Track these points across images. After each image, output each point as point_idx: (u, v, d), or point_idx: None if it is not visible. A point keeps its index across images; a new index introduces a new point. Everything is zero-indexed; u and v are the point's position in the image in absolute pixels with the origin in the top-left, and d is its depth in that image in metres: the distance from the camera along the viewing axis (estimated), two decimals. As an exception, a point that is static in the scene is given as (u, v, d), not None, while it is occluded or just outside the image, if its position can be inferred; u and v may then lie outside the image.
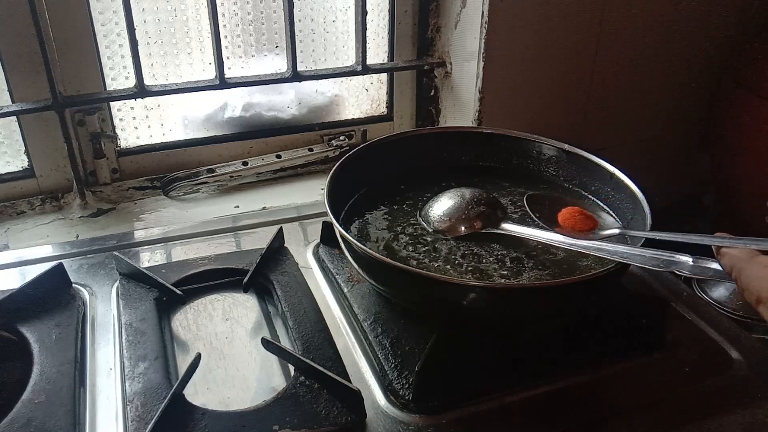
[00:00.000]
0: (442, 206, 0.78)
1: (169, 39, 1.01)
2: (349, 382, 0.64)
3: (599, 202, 0.83)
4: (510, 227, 0.74)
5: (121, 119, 1.05)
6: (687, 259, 0.58)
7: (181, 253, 0.88)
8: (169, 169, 1.08)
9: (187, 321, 0.75)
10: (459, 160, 0.91)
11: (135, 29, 0.91)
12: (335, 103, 1.17)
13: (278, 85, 1.08)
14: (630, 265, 0.63)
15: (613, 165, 0.80)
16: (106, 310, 0.76)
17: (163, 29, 1.00)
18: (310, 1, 1.07)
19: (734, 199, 1.27)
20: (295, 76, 1.03)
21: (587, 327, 0.73)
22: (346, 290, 0.79)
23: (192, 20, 1.01)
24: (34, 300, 0.73)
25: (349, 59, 1.13)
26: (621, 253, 0.63)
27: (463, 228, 0.75)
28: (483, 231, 0.75)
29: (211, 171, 1.09)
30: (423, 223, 0.78)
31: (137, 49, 0.92)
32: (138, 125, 1.06)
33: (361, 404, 0.62)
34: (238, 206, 1.05)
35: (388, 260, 0.67)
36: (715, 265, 0.56)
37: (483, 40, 1.01)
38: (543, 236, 0.71)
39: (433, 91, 1.18)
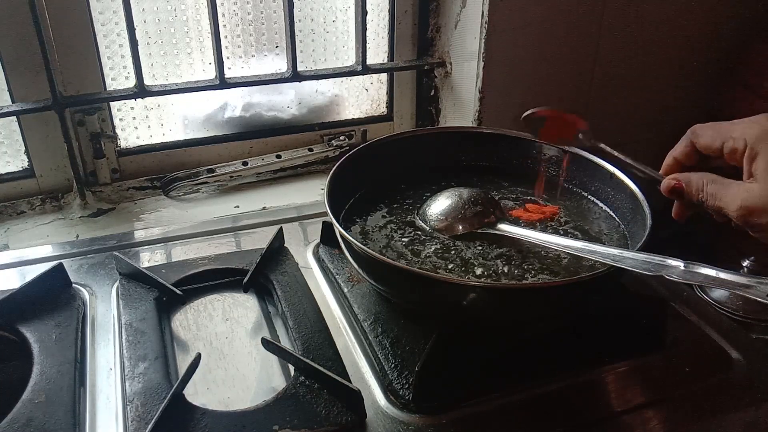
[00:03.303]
0: (439, 205, 0.78)
1: (169, 39, 1.01)
2: (349, 382, 0.64)
3: (599, 203, 0.83)
4: (506, 228, 0.74)
5: (121, 119, 1.05)
6: (678, 264, 0.58)
7: (181, 253, 0.88)
8: (169, 169, 1.08)
9: (187, 321, 0.75)
10: (459, 160, 0.91)
11: (135, 29, 0.91)
12: (335, 103, 1.17)
13: (278, 85, 1.08)
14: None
15: (613, 165, 0.80)
16: (106, 310, 0.76)
17: (163, 29, 1.00)
18: (310, 1, 1.07)
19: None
20: (295, 76, 1.03)
21: (587, 327, 0.73)
22: (346, 290, 0.79)
23: (192, 20, 1.01)
24: (34, 300, 0.73)
25: (349, 59, 1.13)
26: (613, 256, 0.63)
27: (460, 227, 0.75)
28: (479, 231, 0.75)
29: (211, 171, 1.09)
30: (420, 222, 0.78)
31: (137, 49, 0.92)
32: (138, 125, 1.06)
33: (361, 404, 0.62)
34: (238, 206, 1.05)
35: (388, 260, 0.67)
36: (706, 271, 0.57)
37: (483, 40, 1.01)
38: (538, 237, 0.71)
39: (433, 91, 1.18)
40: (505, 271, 0.70)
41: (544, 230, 0.77)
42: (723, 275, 0.56)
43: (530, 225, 0.79)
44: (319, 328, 0.72)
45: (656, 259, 0.60)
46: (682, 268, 0.58)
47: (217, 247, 0.89)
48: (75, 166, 1.00)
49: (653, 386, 0.69)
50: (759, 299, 0.53)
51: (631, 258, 0.62)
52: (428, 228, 0.77)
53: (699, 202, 0.62)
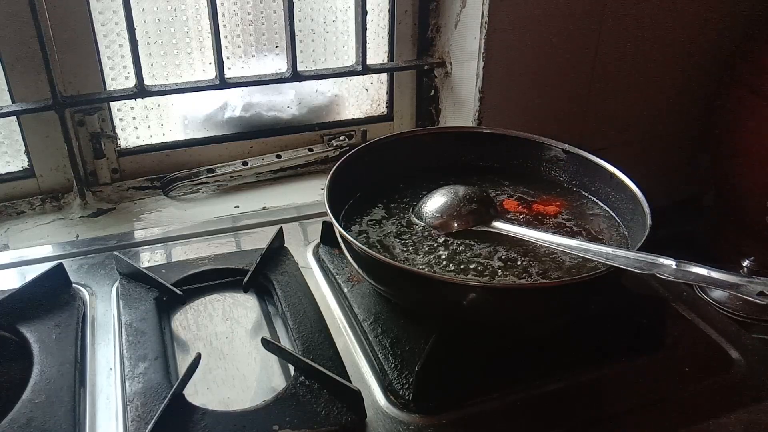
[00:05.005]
0: (435, 203, 0.78)
1: (169, 39, 1.01)
2: (349, 382, 0.64)
3: (599, 202, 0.83)
4: (501, 226, 0.74)
5: (121, 119, 1.05)
6: (670, 263, 0.58)
7: (181, 253, 0.88)
8: (169, 169, 1.08)
9: (187, 321, 0.75)
10: (459, 160, 0.91)
11: (135, 29, 0.91)
12: (335, 103, 1.17)
13: (278, 85, 1.08)
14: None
15: (613, 165, 0.80)
16: (106, 310, 0.76)
17: (163, 29, 1.00)
18: (310, 1, 1.07)
19: (734, 199, 1.27)
20: (295, 76, 1.03)
21: (587, 327, 0.73)
22: (346, 290, 0.79)
23: (192, 20, 1.01)
24: (34, 300, 0.73)
25: (349, 59, 1.13)
26: (605, 254, 0.63)
27: (455, 224, 0.75)
28: (474, 228, 0.75)
29: (211, 171, 1.09)
30: (416, 219, 0.78)
31: (137, 49, 0.92)
32: (138, 125, 1.06)
33: (361, 404, 0.62)
34: (238, 206, 1.05)
35: (388, 260, 0.67)
36: (698, 270, 0.57)
37: (483, 40, 1.01)
38: (532, 235, 0.71)
39: (433, 91, 1.18)
40: (504, 270, 0.70)
41: (540, 229, 0.77)
42: (714, 274, 0.56)
43: (525, 220, 0.79)
44: (319, 328, 0.72)
45: (648, 257, 0.60)
46: (674, 266, 0.58)
47: (217, 247, 0.89)
48: (75, 166, 1.00)
49: (653, 386, 0.69)
50: (749, 298, 0.53)
51: (623, 256, 0.62)
52: (423, 225, 0.77)
53: None
